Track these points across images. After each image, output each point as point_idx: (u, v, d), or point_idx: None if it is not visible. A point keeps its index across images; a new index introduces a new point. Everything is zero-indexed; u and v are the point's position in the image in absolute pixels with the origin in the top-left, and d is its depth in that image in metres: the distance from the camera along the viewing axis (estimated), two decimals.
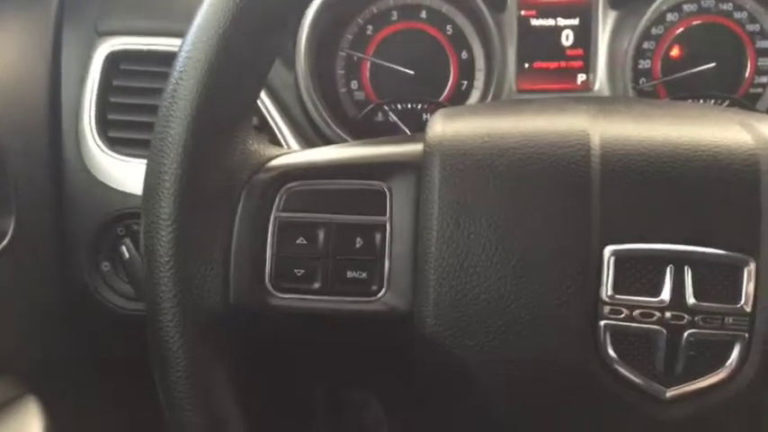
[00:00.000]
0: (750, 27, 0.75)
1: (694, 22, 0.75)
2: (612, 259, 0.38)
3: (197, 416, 0.40)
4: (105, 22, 0.73)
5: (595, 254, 0.38)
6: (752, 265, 0.37)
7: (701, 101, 0.75)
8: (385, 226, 0.42)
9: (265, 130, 0.72)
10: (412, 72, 0.77)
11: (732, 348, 0.38)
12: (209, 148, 0.40)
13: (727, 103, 0.75)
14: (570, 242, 0.38)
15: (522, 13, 0.76)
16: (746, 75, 0.75)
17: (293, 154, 0.45)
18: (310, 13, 0.70)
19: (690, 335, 0.37)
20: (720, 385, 0.38)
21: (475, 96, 0.77)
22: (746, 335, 0.37)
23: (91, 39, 0.73)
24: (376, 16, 0.77)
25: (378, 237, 0.41)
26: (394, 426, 0.85)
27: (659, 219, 0.38)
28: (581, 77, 0.76)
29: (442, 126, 0.43)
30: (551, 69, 0.77)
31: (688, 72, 0.74)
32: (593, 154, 0.39)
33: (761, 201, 0.37)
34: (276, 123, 0.71)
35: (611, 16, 0.74)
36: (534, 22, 0.76)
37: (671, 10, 0.75)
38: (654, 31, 0.75)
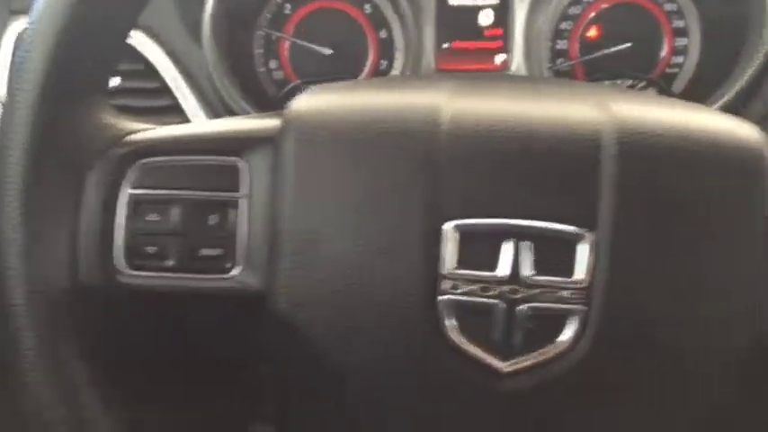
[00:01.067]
0: (667, 6, 0.74)
1: (611, 2, 0.75)
2: (453, 234, 0.38)
3: (54, 407, 0.40)
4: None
5: (436, 228, 0.38)
6: (589, 239, 0.37)
7: (619, 81, 0.75)
8: (240, 202, 0.42)
9: (176, 111, 0.71)
10: (331, 51, 0.76)
11: (569, 322, 0.38)
12: (58, 121, 0.39)
13: (643, 83, 0.75)
14: (412, 217, 0.38)
15: None
16: (663, 55, 0.75)
17: (153, 129, 0.45)
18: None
19: (528, 308, 0.38)
20: (558, 358, 0.38)
21: None
22: (584, 308, 0.38)
23: (3, 17, 0.73)
24: None
25: (233, 213, 0.41)
26: None
27: (500, 193, 0.38)
28: (500, 58, 0.76)
29: (304, 101, 0.43)
30: (470, 50, 0.76)
31: (604, 52, 0.74)
32: (441, 129, 0.39)
33: (600, 175, 0.38)
34: (189, 105, 0.71)
35: None
36: (452, 1, 0.76)
37: None
38: (571, 10, 0.75)
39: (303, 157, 0.40)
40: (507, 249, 0.38)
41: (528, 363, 0.38)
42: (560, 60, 0.76)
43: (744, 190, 0.38)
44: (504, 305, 0.38)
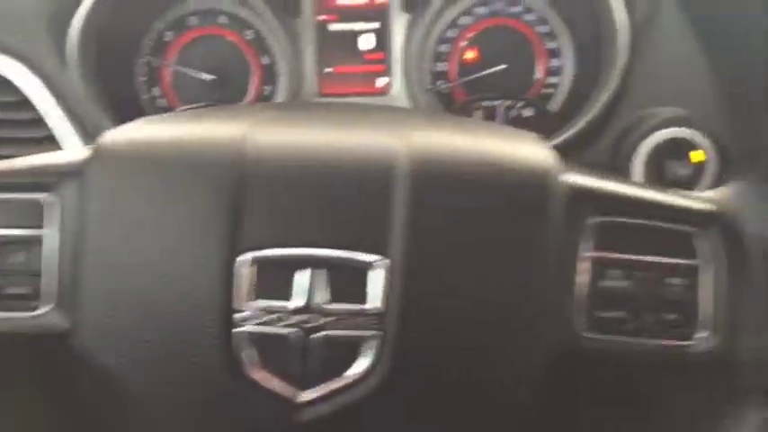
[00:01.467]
0: (540, 29, 0.77)
1: (487, 25, 0.77)
2: (249, 265, 0.38)
3: None
4: None
5: (232, 260, 0.38)
6: (383, 266, 0.38)
7: (497, 102, 0.77)
8: (46, 239, 0.41)
9: (55, 141, 0.71)
10: (214, 77, 0.77)
11: (366, 347, 0.38)
12: None
13: (521, 103, 0.77)
14: (208, 249, 0.38)
15: (320, 18, 0.76)
16: (538, 76, 0.77)
17: None
18: (78, 21, 0.69)
19: (325, 336, 0.38)
20: (356, 384, 0.38)
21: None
22: (380, 333, 0.38)
23: None
24: (174, 22, 0.77)
25: (40, 250, 0.41)
26: None
27: (296, 223, 0.39)
28: (382, 81, 0.77)
29: (115, 134, 0.43)
30: (352, 73, 0.77)
31: (481, 74, 0.76)
32: (242, 161, 0.39)
33: (392, 202, 0.38)
34: (64, 135, 0.70)
35: (407, 20, 0.76)
36: (332, 26, 0.77)
37: (464, 13, 0.77)
38: (449, 33, 0.77)
39: (108, 190, 0.40)
40: (302, 278, 0.38)
41: (326, 390, 0.38)
42: (440, 82, 0.77)
43: (535, 212, 0.39)
44: (300, 334, 0.38)
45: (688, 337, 0.41)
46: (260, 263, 0.38)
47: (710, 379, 0.42)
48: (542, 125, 0.77)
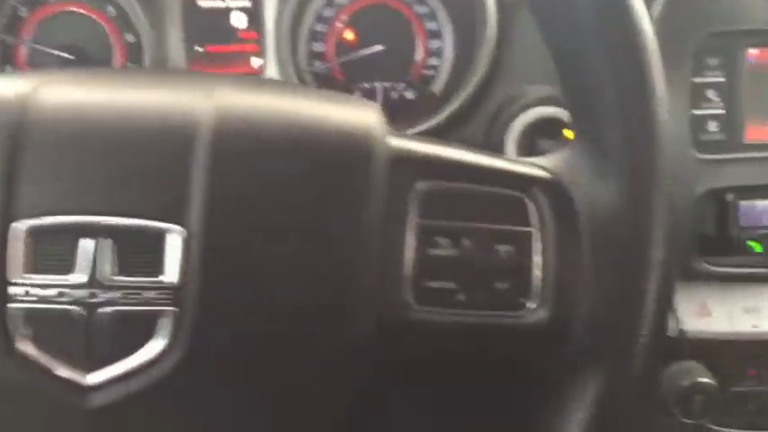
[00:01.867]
0: (419, 9, 0.74)
1: (364, 4, 0.74)
2: (23, 235, 0.34)
3: None
4: None
5: (4, 229, 0.34)
6: (178, 235, 0.35)
7: (377, 84, 0.75)
8: None
9: None
10: (72, 57, 0.72)
11: (161, 325, 0.35)
12: None
13: (403, 85, 0.75)
14: None
15: None
16: (418, 57, 0.75)
17: None
18: None
19: (111, 313, 0.34)
20: (150, 365, 0.35)
21: None
22: (175, 310, 0.35)
23: None
24: None
25: None
26: None
27: (81, 189, 0.35)
28: (256, 61, 0.74)
29: None
30: (225, 53, 0.74)
31: (359, 54, 0.73)
32: (21, 121, 0.35)
33: (191, 166, 0.35)
34: None
35: None
36: (202, 3, 0.73)
37: None
38: (325, 13, 0.74)
39: None
40: (86, 249, 0.34)
41: (116, 373, 0.34)
42: (318, 63, 0.74)
43: (356, 177, 0.37)
44: (83, 311, 0.34)
45: (521, 307, 0.38)
46: (37, 232, 0.34)
47: (545, 349, 0.40)
48: (424, 107, 0.75)
